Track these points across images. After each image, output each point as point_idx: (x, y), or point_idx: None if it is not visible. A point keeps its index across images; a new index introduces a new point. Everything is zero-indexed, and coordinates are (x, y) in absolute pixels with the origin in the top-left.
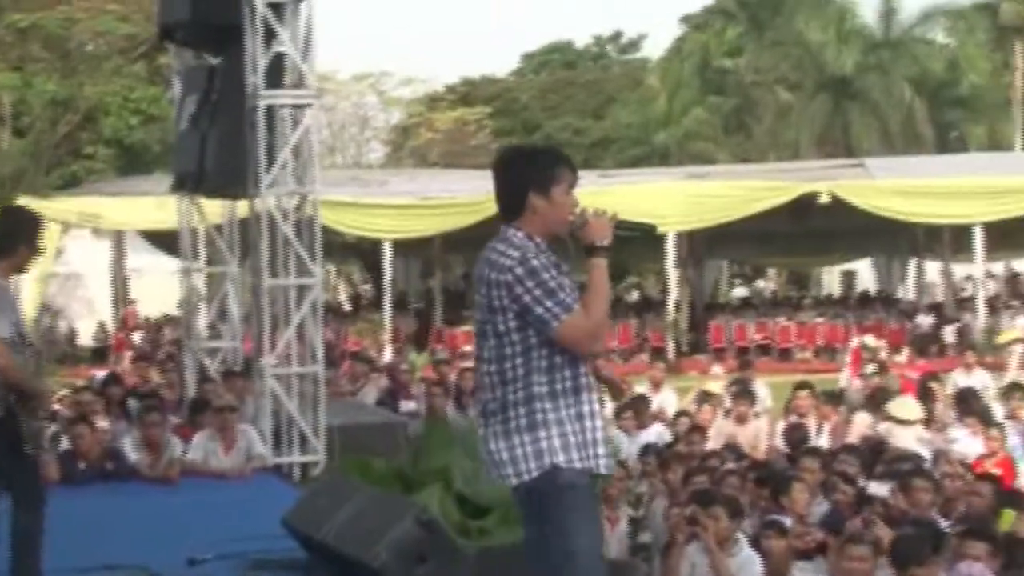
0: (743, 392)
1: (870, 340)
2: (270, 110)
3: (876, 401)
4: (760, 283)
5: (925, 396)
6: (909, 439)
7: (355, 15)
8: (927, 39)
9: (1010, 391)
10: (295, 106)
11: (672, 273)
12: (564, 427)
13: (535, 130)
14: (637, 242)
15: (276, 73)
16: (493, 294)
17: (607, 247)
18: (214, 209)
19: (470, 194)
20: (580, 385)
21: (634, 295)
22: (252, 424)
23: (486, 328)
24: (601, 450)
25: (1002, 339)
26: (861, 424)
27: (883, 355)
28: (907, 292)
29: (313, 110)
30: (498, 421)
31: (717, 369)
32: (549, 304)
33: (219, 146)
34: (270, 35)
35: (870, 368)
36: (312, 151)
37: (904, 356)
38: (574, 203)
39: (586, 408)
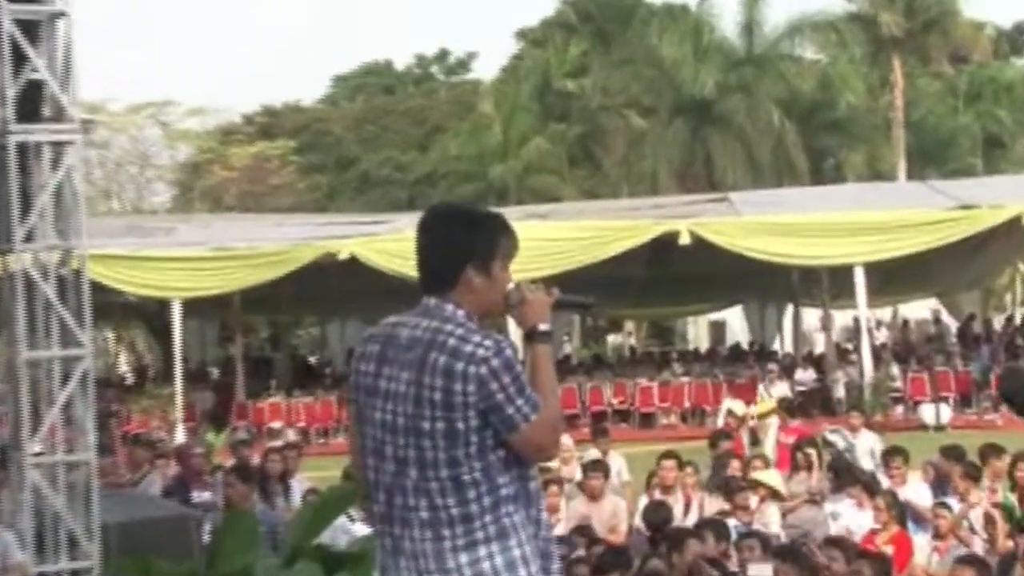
0: (595, 464)
1: (737, 405)
2: (23, 148)
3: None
4: (616, 338)
5: (800, 464)
6: (774, 517)
7: (131, 36)
8: (795, 55)
9: (889, 456)
10: (55, 143)
11: (512, 329)
12: (528, 532)
13: (349, 166)
14: None
15: (30, 105)
16: (456, 388)
17: (549, 331)
18: None
19: (275, 243)
20: (536, 489)
21: None
22: (8, 525)
23: (421, 425)
24: (555, 565)
25: (758, 412)
26: (713, 502)
27: (753, 421)
28: (784, 344)
29: (77, 147)
30: (453, 536)
31: (566, 440)
32: (520, 402)
33: None
34: (21, 59)
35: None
36: (77, 196)
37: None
38: (508, 277)
39: (543, 516)
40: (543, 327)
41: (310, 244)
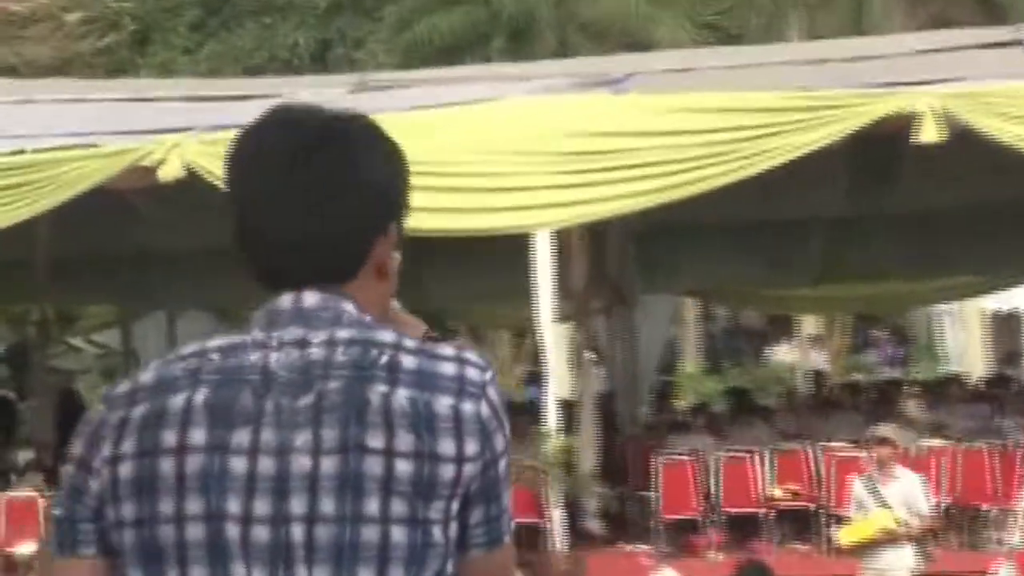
0: None
1: None
2: None
3: None
4: (781, 351)
5: None
6: None
7: None
8: None
9: None
10: None
11: (549, 334)
12: None
13: None
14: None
15: None
16: (443, 448)
17: None
18: None
19: (17, 145)
20: None
21: None
22: None
23: (359, 535)
24: None
25: (850, 536)
26: None
27: None
28: None
29: None
30: None
31: None
32: (509, 492)
33: None
34: None
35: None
36: None
37: None
38: None
39: None
40: None
41: (97, 149)
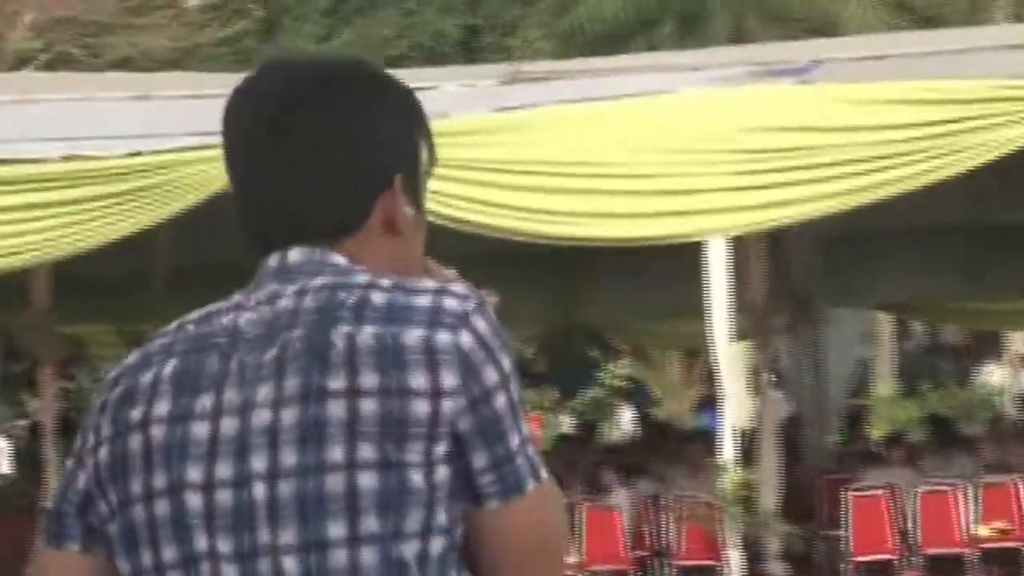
0: None
1: None
2: None
3: None
4: (983, 368)
5: None
6: None
7: None
8: None
9: None
10: None
11: (725, 355)
12: None
13: None
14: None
15: None
16: (415, 383)
17: None
18: None
19: (131, 145)
20: None
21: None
22: None
23: (324, 484)
24: None
25: None
26: None
27: None
28: None
29: None
30: None
31: None
32: (527, 431)
33: None
34: None
35: None
36: None
37: None
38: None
39: None
40: None
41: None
